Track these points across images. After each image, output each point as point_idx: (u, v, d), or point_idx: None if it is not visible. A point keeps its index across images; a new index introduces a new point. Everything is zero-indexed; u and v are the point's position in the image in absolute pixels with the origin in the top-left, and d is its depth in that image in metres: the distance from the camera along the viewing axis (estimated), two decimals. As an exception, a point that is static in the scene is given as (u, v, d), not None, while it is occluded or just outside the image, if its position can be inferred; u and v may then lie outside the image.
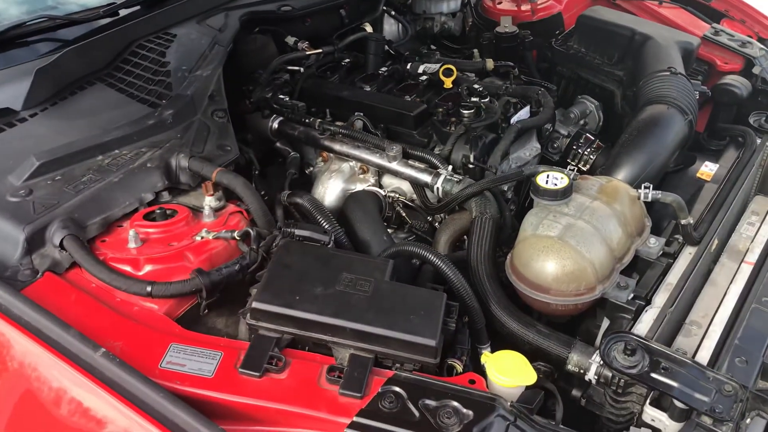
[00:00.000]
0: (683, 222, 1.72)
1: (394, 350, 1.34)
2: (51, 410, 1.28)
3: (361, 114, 2.17)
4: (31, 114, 1.87)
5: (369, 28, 2.76)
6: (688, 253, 1.75)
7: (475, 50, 2.91)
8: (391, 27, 3.00)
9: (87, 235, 1.56)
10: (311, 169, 2.24)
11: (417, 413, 1.22)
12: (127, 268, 1.51)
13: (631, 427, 1.43)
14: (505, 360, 1.38)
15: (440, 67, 2.32)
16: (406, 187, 2.07)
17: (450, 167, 1.96)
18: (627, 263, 1.67)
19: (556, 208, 1.64)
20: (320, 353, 1.38)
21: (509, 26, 2.85)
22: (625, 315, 1.59)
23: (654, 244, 1.71)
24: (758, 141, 2.20)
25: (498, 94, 2.24)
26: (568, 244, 1.56)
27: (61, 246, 1.51)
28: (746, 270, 1.75)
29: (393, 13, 2.96)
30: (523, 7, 3.03)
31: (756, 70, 2.60)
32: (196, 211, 1.69)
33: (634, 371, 1.36)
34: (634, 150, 2.07)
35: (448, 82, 2.28)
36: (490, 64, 2.53)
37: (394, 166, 2.00)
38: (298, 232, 1.60)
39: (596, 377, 1.45)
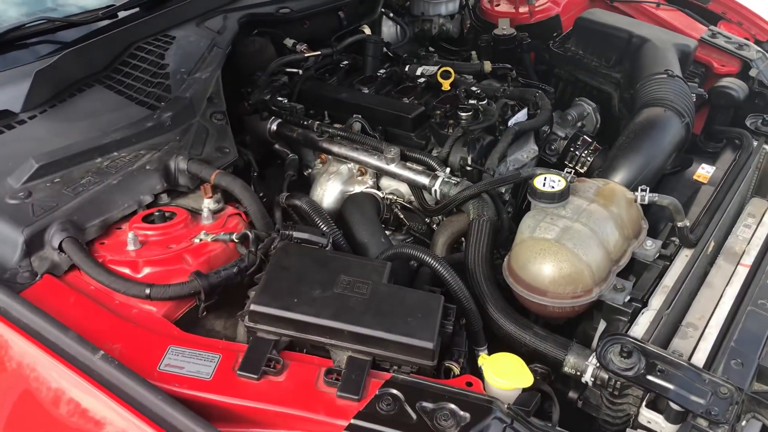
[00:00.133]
0: (680, 224, 1.72)
1: (391, 353, 1.34)
2: (50, 411, 1.28)
3: (360, 116, 2.18)
4: (30, 116, 1.88)
5: (367, 31, 2.76)
6: (684, 256, 1.75)
7: (473, 52, 2.91)
8: (389, 29, 3.00)
9: (86, 237, 1.57)
10: (310, 171, 2.25)
11: (414, 416, 1.23)
12: (126, 271, 1.52)
13: (628, 429, 1.44)
14: (502, 362, 1.38)
15: (438, 69, 2.33)
16: (404, 189, 2.07)
17: (448, 169, 1.97)
18: (624, 266, 1.68)
19: (553, 211, 1.65)
20: (318, 356, 1.38)
21: (507, 28, 2.85)
22: (621, 317, 1.59)
23: (651, 247, 1.72)
24: (755, 143, 2.21)
25: (496, 96, 2.25)
26: (565, 246, 1.57)
27: (60, 248, 1.51)
28: (742, 272, 1.76)
29: (391, 15, 2.97)
30: (521, 10, 3.04)
31: (753, 72, 2.61)
32: (195, 213, 1.70)
33: (630, 373, 1.36)
34: (631, 152, 2.08)
35: (446, 85, 2.29)
36: (487, 66, 2.53)
37: (392, 168, 2.00)
38: (296, 234, 1.60)
39: (593, 379, 1.46)
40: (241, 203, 1.73)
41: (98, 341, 1.31)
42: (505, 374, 1.35)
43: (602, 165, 2.16)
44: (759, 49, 2.73)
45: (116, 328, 1.40)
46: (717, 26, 2.93)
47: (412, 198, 2.05)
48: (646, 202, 1.69)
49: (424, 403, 1.25)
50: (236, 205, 1.75)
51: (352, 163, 2.12)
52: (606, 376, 1.43)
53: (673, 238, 1.79)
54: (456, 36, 3.11)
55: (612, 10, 3.02)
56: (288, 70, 2.41)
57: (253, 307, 1.37)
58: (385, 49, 2.64)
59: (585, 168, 2.32)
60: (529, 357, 1.49)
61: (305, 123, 2.17)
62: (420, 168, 1.99)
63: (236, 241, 1.58)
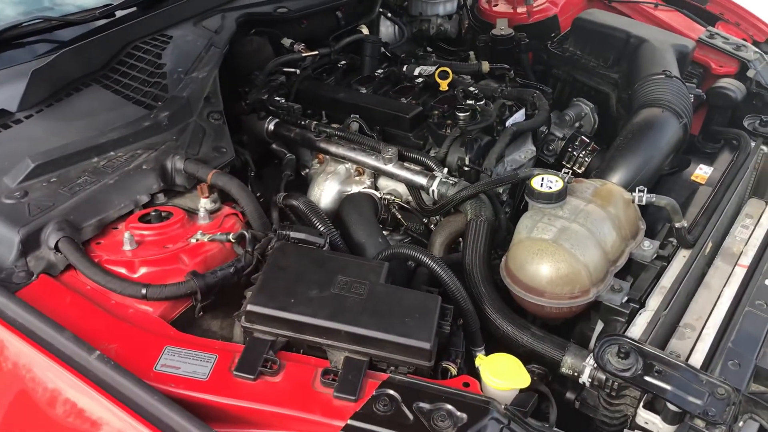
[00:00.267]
0: (677, 225, 1.72)
1: (388, 353, 1.34)
2: (46, 411, 1.28)
3: (357, 116, 2.17)
4: (26, 115, 1.87)
5: (365, 30, 2.76)
6: (682, 256, 1.75)
7: (471, 53, 2.91)
8: (387, 29, 3.00)
9: (82, 237, 1.56)
10: (307, 171, 2.24)
11: (411, 416, 1.23)
12: (122, 271, 1.52)
13: (625, 430, 1.44)
14: (500, 363, 1.38)
15: (436, 69, 2.33)
16: (401, 189, 2.07)
17: (445, 170, 1.96)
18: (621, 266, 1.68)
19: (550, 211, 1.65)
20: (315, 356, 1.38)
21: (505, 29, 2.85)
22: (619, 318, 1.60)
23: (648, 247, 1.72)
24: (752, 144, 2.21)
25: (493, 96, 2.25)
26: (562, 247, 1.56)
27: (56, 248, 1.51)
28: (740, 273, 1.76)
29: (389, 15, 2.96)
30: (519, 10, 3.03)
31: (750, 73, 2.61)
32: (192, 213, 1.69)
33: (627, 374, 1.36)
34: (628, 153, 2.08)
35: (443, 85, 2.29)
36: (485, 66, 2.53)
37: (390, 168, 2.00)
38: (293, 234, 1.60)
39: (590, 380, 1.46)
40: (237, 203, 1.73)
41: (94, 341, 1.31)
42: (503, 375, 1.35)
43: (600, 165, 2.16)
44: (757, 50, 2.73)
45: (112, 328, 1.40)
46: (715, 27, 2.94)
47: (410, 198, 2.04)
48: (643, 202, 1.69)
49: (421, 404, 1.24)
50: (233, 205, 1.75)
51: (349, 163, 2.11)
52: (603, 377, 1.43)
53: (671, 239, 1.80)
54: (454, 36, 3.10)
55: (610, 11, 3.02)
56: (285, 69, 2.40)
57: (249, 307, 1.37)
58: (383, 49, 2.64)
59: (582, 168, 2.32)
60: (527, 357, 1.49)
61: (303, 123, 2.17)
62: (418, 168, 1.99)
63: (233, 241, 1.58)
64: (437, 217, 1.99)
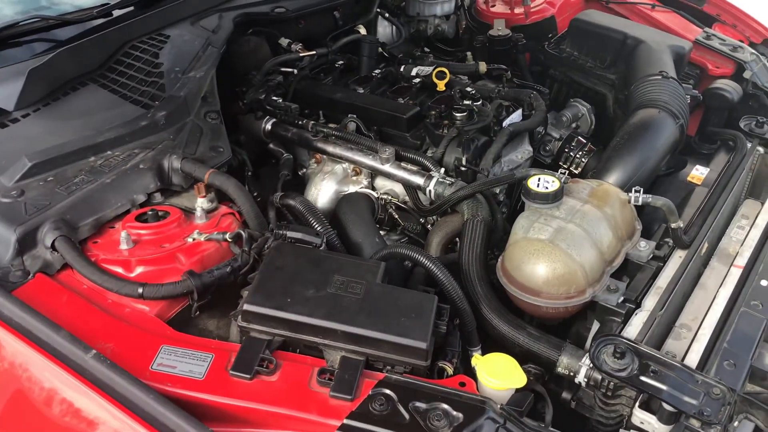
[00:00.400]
0: (673, 225, 1.73)
1: (385, 353, 1.34)
2: (42, 410, 1.28)
3: (354, 116, 2.18)
4: (23, 114, 1.87)
5: (363, 31, 2.76)
6: (678, 257, 1.76)
7: (469, 53, 2.92)
8: (384, 29, 3.00)
9: (79, 236, 1.56)
10: (304, 170, 2.25)
11: (407, 416, 1.23)
12: (119, 270, 1.51)
13: (621, 430, 1.44)
14: (496, 362, 1.38)
15: (433, 69, 2.33)
16: (398, 189, 2.07)
17: (442, 170, 1.97)
18: (617, 266, 1.68)
19: (547, 212, 1.65)
20: (311, 355, 1.38)
21: (502, 29, 2.85)
22: (615, 318, 1.60)
23: (644, 248, 1.72)
24: (748, 145, 2.21)
25: (490, 97, 2.25)
26: (558, 247, 1.57)
27: (53, 247, 1.51)
28: (735, 274, 1.76)
29: (387, 15, 2.96)
30: (517, 10, 3.04)
31: (747, 74, 2.62)
32: (188, 212, 1.70)
33: (623, 374, 1.37)
34: (625, 153, 2.08)
35: (441, 85, 2.29)
36: (483, 67, 2.53)
37: (387, 168, 2.00)
38: (290, 234, 1.60)
39: (586, 380, 1.46)
40: (234, 203, 1.73)
41: (91, 340, 1.31)
42: (499, 374, 1.35)
43: (596, 166, 2.16)
44: (753, 51, 2.74)
45: (109, 327, 1.40)
46: (711, 28, 2.95)
47: (407, 198, 2.05)
48: (639, 203, 1.70)
49: (417, 403, 1.25)
50: (230, 204, 1.75)
51: (346, 163, 2.11)
52: (599, 377, 1.43)
53: (667, 240, 1.80)
54: (451, 36, 3.11)
55: (607, 12, 3.03)
56: (283, 69, 2.40)
57: (246, 306, 1.37)
58: (380, 50, 2.64)
59: (579, 169, 2.33)
60: (523, 357, 1.49)
61: (300, 122, 2.17)
62: (415, 168, 1.99)
63: (230, 240, 1.58)
64: (434, 217, 1.99)
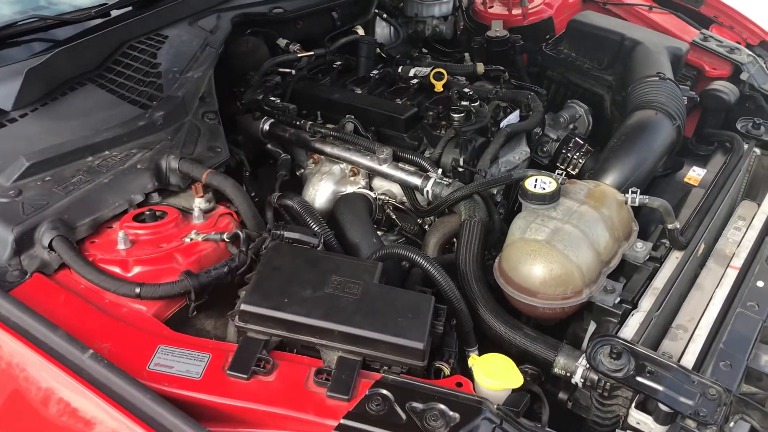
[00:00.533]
0: (670, 226, 1.73)
1: (382, 353, 1.34)
2: (39, 410, 1.28)
3: (352, 117, 2.18)
4: (21, 114, 1.87)
5: (361, 31, 2.76)
6: (674, 258, 1.76)
7: (466, 54, 2.92)
8: (382, 30, 3.00)
9: (76, 236, 1.56)
10: (302, 171, 2.25)
11: (404, 416, 1.23)
12: (116, 270, 1.51)
13: (617, 430, 1.44)
14: (492, 363, 1.39)
15: (431, 70, 2.34)
16: (396, 189, 2.08)
17: (440, 170, 1.97)
18: (614, 267, 1.68)
19: (544, 212, 1.65)
20: (308, 356, 1.38)
21: (500, 30, 2.86)
22: (611, 319, 1.60)
23: (641, 249, 1.73)
24: (745, 146, 2.22)
25: (488, 98, 2.26)
26: (555, 248, 1.57)
27: (50, 247, 1.51)
28: (732, 275, 1.77)
29: (385, 16, 2.97)
30: (514, 12, 3.05)
31: (744, 76, 2.63)
32: (186, 212, 1.70)
33: (619, 375, 1.37)
34: (622, 154, 2.09)
35: (438, 86, 2.29)
36: (480, 67, 2.54)
37: (385, 168, 2.01)
38: (287, 234, 1.60)
39: (582, 380, 1.46)
40: (232, 203, 1.73)
41: (88, 340, 1.31)
42: (495, 375, 1.35)
43: (593, 167, 2.17)
44: (750, 52, 2.75)
45: (106, 327, 1.40)
46: (709, 30, 2.95)
47: (404, 199, 2.05)
48: (636, 204, 1.70)
49: (414, 404, 1.25)
50: (227, 204, 1.75)
51: (344, 164, 2.12)
52: (596, 378, 1.43)
53: (664, 240, 1.80)
54: (449, 37, 3.11)
55: (604, 13, 3.04)
56: (281, 70, 2.41)
57: (243, 306, 1.37)
58: (378, 50, 2.64)
59: (576, 170, 2.33)
60: (520, 358, 1.50)
61: (298, 123, 2.17)
62: (412, 169, 2.00)
63: (227, 240, 1.58)
64: (431, 217, 1.99)
